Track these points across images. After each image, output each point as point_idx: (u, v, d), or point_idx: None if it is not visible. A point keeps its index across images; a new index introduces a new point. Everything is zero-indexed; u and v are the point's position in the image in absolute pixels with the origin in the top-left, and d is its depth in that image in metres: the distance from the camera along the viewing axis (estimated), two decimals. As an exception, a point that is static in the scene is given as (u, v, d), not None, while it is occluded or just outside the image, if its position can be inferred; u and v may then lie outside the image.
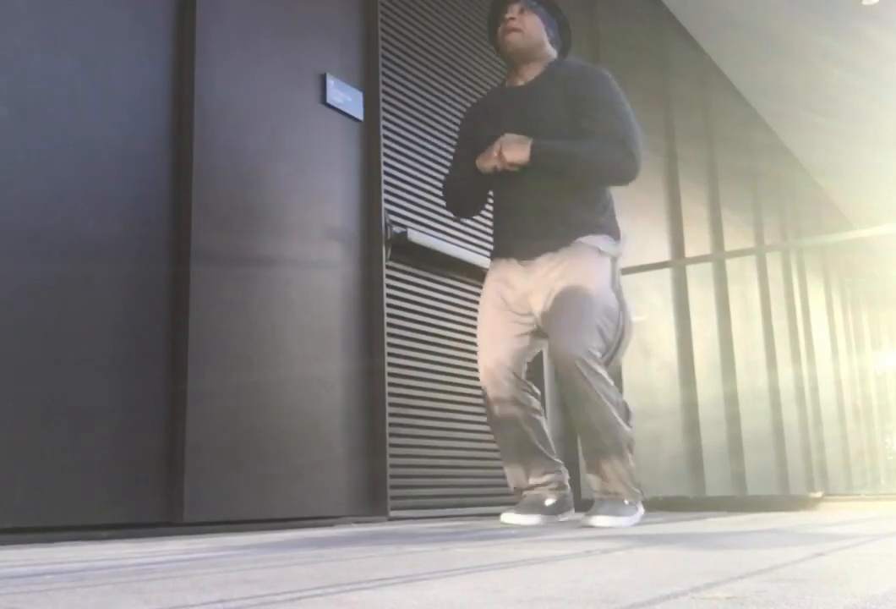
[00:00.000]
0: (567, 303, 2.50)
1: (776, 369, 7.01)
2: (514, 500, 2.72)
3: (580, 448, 2.61)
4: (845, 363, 9.47)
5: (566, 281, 2.54)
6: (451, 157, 3.72)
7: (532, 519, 2.55)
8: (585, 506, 3.73)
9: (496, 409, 2.62)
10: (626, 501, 2.50)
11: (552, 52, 2.79)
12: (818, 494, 3.49)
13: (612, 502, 2.47)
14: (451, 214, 3.02)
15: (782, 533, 2.03)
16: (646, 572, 1.16)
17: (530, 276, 2.63)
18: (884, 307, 12.04)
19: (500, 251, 2.73)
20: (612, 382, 2.50)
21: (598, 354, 2.47)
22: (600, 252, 2.60)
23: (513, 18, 2.70)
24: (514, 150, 2.55)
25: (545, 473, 2.65)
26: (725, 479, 5.62)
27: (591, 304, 2.50)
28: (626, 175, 2.59)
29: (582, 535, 2.07)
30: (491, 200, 2.84)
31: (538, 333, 2.65)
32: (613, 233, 2.67)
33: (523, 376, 2.66)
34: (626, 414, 2.55)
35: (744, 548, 1.58)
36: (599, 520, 2.38)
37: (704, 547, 1.62)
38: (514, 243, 2.67)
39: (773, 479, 6.58)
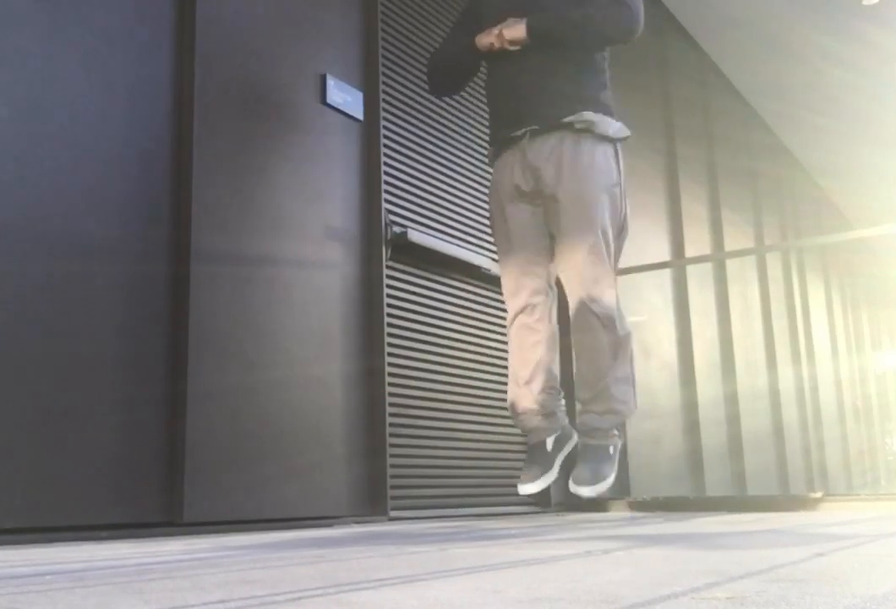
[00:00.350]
0: (575, 219, 2.48)
1: (776, 369, 7.01)
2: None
3: (577, 384, 2.57)
4: (845, 363, 9.46)
5: (570, 187, 2.50)
6: (451, 157, 3.72)
7: (546, 479, 2.52)
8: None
9: (530, 322, 2.59)
10: (611, 449, 2.48)
11: None
12: (818, 494, 3.49)
13: (599, 451, 2.45)
14: (431, 91, 2.99)
15: (782, 533, 2.03)
16: (646, 572, 1.16)
17: (536, 155, 2.57)
18: (884, 307, 12.03)
19: (500, 134, 2.67)
20: (624, 320, 2.50)
21: (612, 276, 2.47)
22: (603, 139, 2.57)
23: None
24: (512, 28, 2.57)
25: (543, 391, 2.60)
26: (725, 479, 5.62)
27: (600, 215, 2.49)
28: (626, 32, 2.57)
29: (582, 536, 2.07)
30: (486, 90, 2.81)
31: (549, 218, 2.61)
32: (613, 113, 2.65)
33: (553, 282, 2.64)
34: (628, 333, 2.53)
35: (744, 548, 1.58)
36: (588, 489, 2.36)
37: (704, 547, 1.62)
38: (515, 118, 2.62)
39: (773, 479, 6.58)
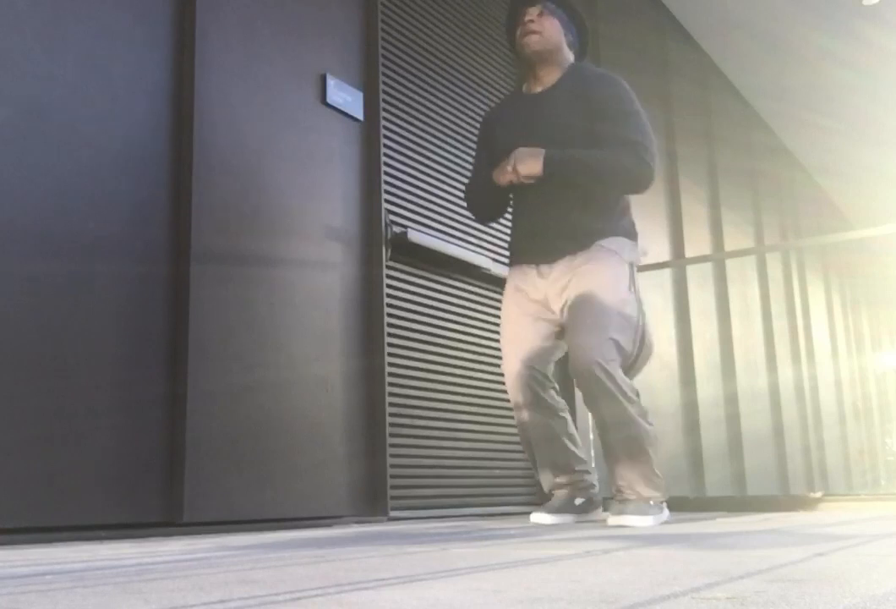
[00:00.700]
0: (583, 307, 2.51)
1: (776, 369, 7.01)
2: (539, 500, 2.74)
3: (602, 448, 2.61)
4: (845, 363, 9.46)
5: (582, 285, 2.54)
6: (451, 157, 3.72)
7: (562, 518, 2.56)
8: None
9: (524, 414, 2.64)
10: (650, 502, 2.50)
11: (570, 56, 2.79)
12: (818, 494, 3.49)
13: (635, 503, 2.48)
14: (474, 219, 3.05)
15: (782, 533, 2.03)
16: (646, 572, 1.16)
17: (548, 279, 2.64)
18: (884, 307, 12.03)
19: (517, 258, 2.75)
20: (629, 381, 2.52)
21: (616, 358, 2.47)
22: (619, 256, 2.60)
23: (532, 21, 2.71)
24: (528, 164, 2.57)
25: (574, 472, 2.66)
26: (725, 479, 5.62)
27: (607, 310, 2.50)
28: (639, 183, 2.59)
29: (582, 536, 2.07)
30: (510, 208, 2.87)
31: (562, 334, 2.65)
32: (632, 236, 2.68)
33: (550, 375, 2.67)
34: (644, 413, 2.55)
35: (744, 548, 1.58)
36: (626, 519, 2.38)
37: (704, 547, 1.62)
38: (531, 248, 2.69)
39: (773, 479, 6.58)
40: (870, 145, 8.04)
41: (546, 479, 2.70)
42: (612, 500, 2.56)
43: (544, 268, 2.66)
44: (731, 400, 5.95)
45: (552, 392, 2.67)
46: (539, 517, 2.57)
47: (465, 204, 2.99)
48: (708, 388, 5.60)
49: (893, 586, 0.98)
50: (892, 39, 6.25)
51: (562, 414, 2.68)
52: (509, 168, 2.60)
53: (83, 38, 2.30)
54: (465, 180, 3.81)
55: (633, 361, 2.57)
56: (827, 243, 7.85)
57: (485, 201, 2.85)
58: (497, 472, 3.64)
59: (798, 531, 2.09)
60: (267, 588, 1.04)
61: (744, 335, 6.44)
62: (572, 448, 2.68)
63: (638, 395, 2.54)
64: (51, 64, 2.21)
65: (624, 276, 2.59)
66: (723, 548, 1.59)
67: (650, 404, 4.73)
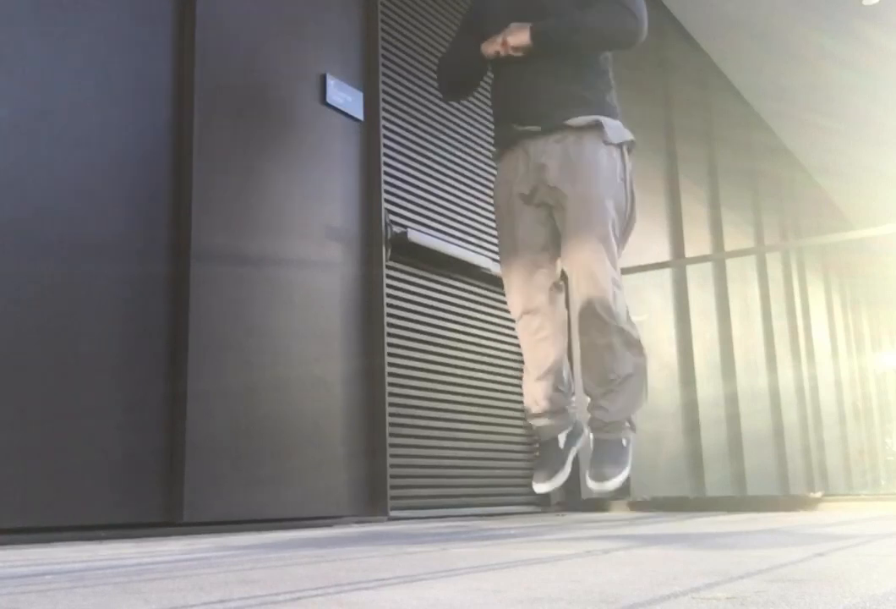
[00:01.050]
0: (579, 218, 2.50)
1: (776, 369, 7.01)
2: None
3: (586, 381, 2.57)
4: (845, 363, 9.46)
5: (574, 187, 2.52)
6: (451, 157, 3.72)
7: (558, 477, 2.55)
8: (587, 505, 3.73)
9: (535, 325, 2.61)
10: (624, 441, 2.51)
11: None
12: (818, 494, 3.49)
13: (613, 445, 2.47)
14: (443, 97, 3.03)
15: (782, 533, 2.03)
16: (646, 572, 1.16)
17: (535, 160, 2.59)
18: (884, 307, 12.03)
19: (501, 139, 2.71)
20: (625, 307, 2.51)
21: (616, 274, 2.49)
22: (607, 143, 2.58)
23: None
24: (516, 34, 2.57)
25: (553, 389, 2.62)
26: (725, 480, 5.62)
27: (604, 213, 2.50)
28: (630, 36, 2.58)
29: (582, 536, 2.07)
30: (490, 91, 2.83)
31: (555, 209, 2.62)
32: (616, 115, 2.66)
33: (558, 278, 2.66)
34: (639, 344, 2.55)
35: (744, 548, 1.58)
36: (608, 484, 2.39)
37: (704, 547, 1.62)
38: (518, 112, 2.64)
39: (773, 479, 6.58)
40: (870, 145, 8.03)
41: (530, 394, 2.64)
42: (590, 421, 2.53)
43: (532, 140, 2.61)
44: (731, 400, 5.95)
45: (560, 300, 2.66)
46: (540, 487, 2.56)
47: (439, 92, 2.95)
48: (708, 388, 5.60)
49: (893, 586, 0.98)
50: (892, 39, 6.25)
51: (564, 329, 2.67)
52: (499, 39, 2.59)
53: (83, 38, 2.30)
54: (465, 179, 3.81)
55: (619, 239, 2.57)
56: (827, 243, 7.85)
57: (460, 75, 2.84)
58: (497, 472, 3.64)
59: (798, 531, 2.09)
60: (267, 588, 1.04)
61: (744, 335, 6.44)
62: (564, 375, 2.65)
63: (632, 324, 2.54)
64: (51, 64, 2.21)
65: (615, 163, 2.58)
66: (723, 548, 1.59)
67: (650, 404, 4.74)
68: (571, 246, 2.52)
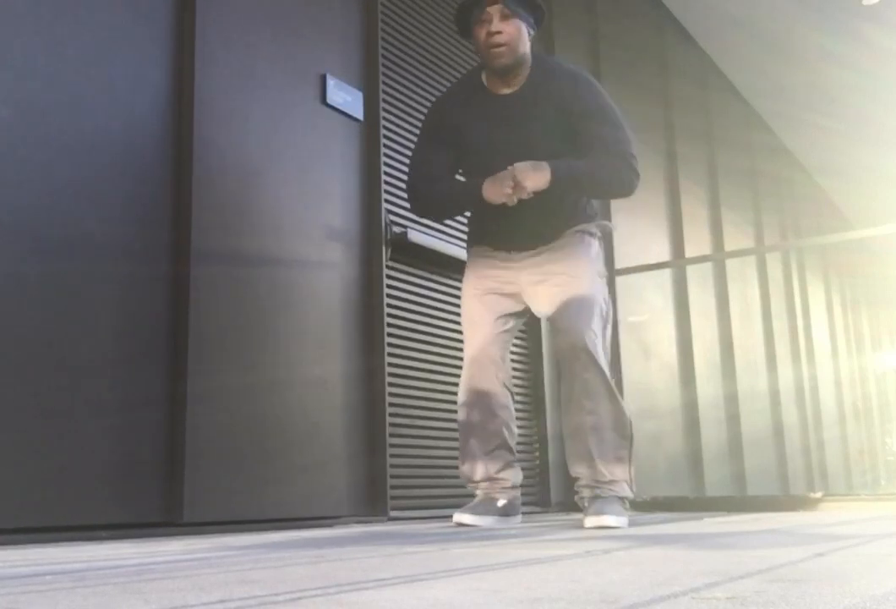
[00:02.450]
0: (570, 295, 2.54)
1: (776, 369, 7.01)
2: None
3: (573, 444, 2.58)
4: (845, 363, 9.46)
5: (563, 272, 2.58)
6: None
7: (485, 520, 2.56)
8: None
9: (476, 398, 2.62)
10: (623, 499, 2.53)
11: (529, 47, 2.66)
12: (818, 494, 3.49)
13: (612, 499, 2.48)
14: (418, 214, 2.90)
15: (782, 533, 2.03)
16: (646, 572, 1.16)
17: (521, 263, 2.65)
18: (884, 307, 12.03)
19: (486, 243, 2.73)
20: (610, 376, 2.56)
21: (601, 346, 2.52)
22: (590, 234, 2.67)
23: (499, 32, 2.55)
24: (534, 179, 2.45)
25: (504, 469, 2.65)
26: (725, 479, 5.62)
27: (592, 294, 2.56)
28: (629, 190, 2.63)
29: (582, 536, 2.07)
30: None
31: (521, 314, 2.72)
32: (595, 218, 2.74)
33: (507, 362, 2.70)
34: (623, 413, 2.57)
35: (744, 548, 1.58)
36: (606, 519, 2.37)
37: (704, 547, 1.62)
38: (503, 239, 2.68)
39: (773, 479, 6.58)
40: (870, 145, 8.03)
41: (472, 469, 2.66)
42: (582, 495, 2.55)
43: (514, 254, 2.67)
44: (731, 400, 5.95)
45: (508, 380, 2.69)
46: (463, 517, 2.55)
47: (410, 206, 2.79)
48: (708, 388, 5.59)
49: (893, 586, 0.98)
50: (892, 39, 6.25)
51: (512, 407, 2.70)
52: (509, 185, 2.46)
53: (83, 38, 2.30)
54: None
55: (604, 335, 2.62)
56: (827, 243, 7.85)
57: (452, 207, 2.80)
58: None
59: (798, 531, 2.09)
60: (267, 588, 1.04)
61: (744, 335, 6.43)
62: (510, 444, 2.67)
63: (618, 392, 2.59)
64: (51, 64, 2.21)
65: (596, 251, 2.67)
66: (723, 548, 1.59)
67: (650, 404, 4.76)
68: (563, 321, 2.56)
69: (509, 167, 2.48)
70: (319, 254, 2.94)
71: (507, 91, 2.64)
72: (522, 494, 2.76)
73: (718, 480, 5.44)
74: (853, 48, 6.36)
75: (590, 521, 2.39)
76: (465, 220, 2.95)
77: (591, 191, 2.66)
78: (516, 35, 2.58)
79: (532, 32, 2.66)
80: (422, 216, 2.91)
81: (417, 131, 3.54)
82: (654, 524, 2.61)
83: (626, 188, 2.61)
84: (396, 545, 1.78)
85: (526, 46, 2.62)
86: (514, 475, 2.69)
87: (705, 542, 1.77)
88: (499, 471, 2.65)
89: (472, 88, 2.71)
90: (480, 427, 2.64)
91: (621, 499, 2.51)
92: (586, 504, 2.52)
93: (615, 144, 2.55)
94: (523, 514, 2.82)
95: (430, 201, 2.74)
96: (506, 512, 2.63)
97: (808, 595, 0.90)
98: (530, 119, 2.60)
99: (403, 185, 3.41)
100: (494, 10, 2.57)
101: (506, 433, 2.66)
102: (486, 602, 0.89)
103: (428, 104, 3.64)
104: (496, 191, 2.51)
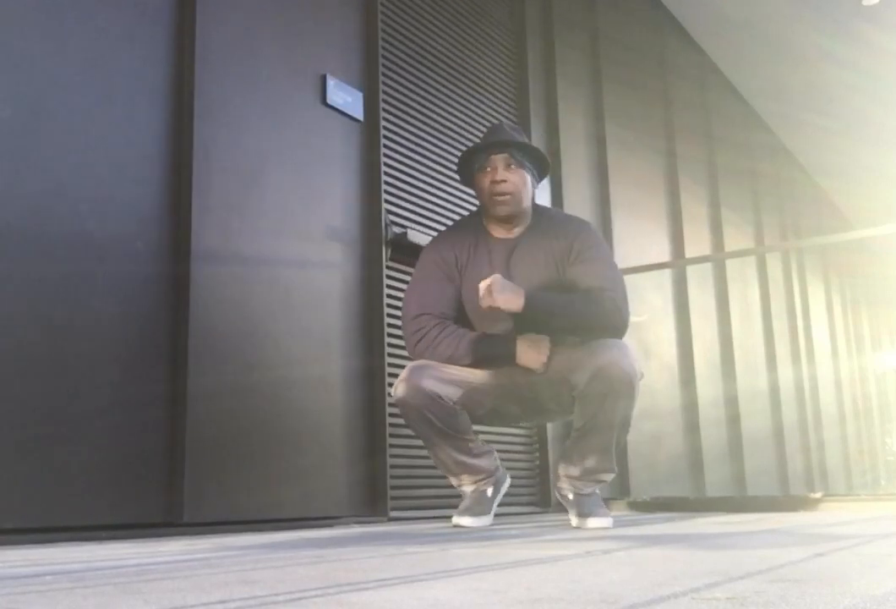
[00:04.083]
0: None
1: (776, 370, 7.01)
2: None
3: (575, 443, 2.57)
4: (845, 363, 9.46)
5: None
6: (451, 157, 3.71)
7: (485, 520, 2.57)
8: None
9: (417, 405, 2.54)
10: (598, 491, 2.57)
11: (532, 196, 2.69)
12: (818, 495, 3.49)
13: (598, 500, 2.54)
14: (414, 354, 2.61)
15: (782, 533, 2.03)
16: (646, 573, 1.16)
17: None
18: (884, 307, 12.03)
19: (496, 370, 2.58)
20: None
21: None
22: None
23: (504, 180, 2.56)
24: (509, 299, 2.39)
25: (482, 454, 2.64)
26: (725, 480, 5.62)
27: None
28: (614, 331, 2.49)
29: (582, 536, 2.07)
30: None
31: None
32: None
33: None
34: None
35: (744, 548, 1.58)
36: (595, 521, 2.43)
37: (704, 547, 1.62)
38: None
39: (773, 479, 6.58)
40: (870, 145, 8.03)
41: (456, 465, 2.60)
42: (563, 491, 2.56)
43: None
44: (731, 400, 5.95)
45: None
46: (462, 520, 2.54)
47: (410, 330, 2.59)
48: (708, 388, 5.60)
49: (893, 586, 0.98)
50: (892, 39, 6.25)
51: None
52: (484, 293, 2.39)
53: (83, 38, 2.30)
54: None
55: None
56: (827, 243, 7.85)
57: (472, 361, 2.54)
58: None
59: (798, 531, 2.09)
60: (267, 588, 1.04)
61: (744, 335, 6.44)
62: (471, 435, 2.63)
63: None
64: (51, 64, 2.21)
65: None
66: (723, 548, 1.60)
67: (650, 404, 4.75)
68: (610, 357, 2.44)
69: (490, 277, 2.42)
70: (319, 254, 2.94)
71: (508, 236, 2.66)
72: (522, 494, 2.76)
73: (718, 480, 5.44)
74: (853, 48, 6.37)
75: (577, 522, 2.47)
76: (463, 220, 2.92)
77: (570, 328, 2.50)
78: (521, 185, 2.59)
79: (536, 184, 2.69)
80: (417, 358, 2.59)
81: (417, 131, 3.56)
82: (654, 524, 2.61)
83: (609, 330, 2.48)
84: (396, 545, 1.78)
85: (529, 197, 2.64)
86: (488, 460, 2.66)
87: (705, 542, 1.77)
88: (478, 456, 2.64)
89: (472, 230, 2.70)
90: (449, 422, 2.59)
91: (599, 497, 2.58)
92: (571, 499, 2.54)
93: (601, 287, 2.50)
94: (523, 514, 2.83)
95: (439, 350, 2.55)
96: (495, 493, 2.66)
97: (808, 595, 0.90)
98: (530, 265, 2.59)
99: (403, 177, 3.41)
100: (500, 160, 2.59)
101: (462, 426, 2.59)
102: (485, 602, 0.89)
103: (428, 104, 3.64)
104: (533, 358, 2.48)
